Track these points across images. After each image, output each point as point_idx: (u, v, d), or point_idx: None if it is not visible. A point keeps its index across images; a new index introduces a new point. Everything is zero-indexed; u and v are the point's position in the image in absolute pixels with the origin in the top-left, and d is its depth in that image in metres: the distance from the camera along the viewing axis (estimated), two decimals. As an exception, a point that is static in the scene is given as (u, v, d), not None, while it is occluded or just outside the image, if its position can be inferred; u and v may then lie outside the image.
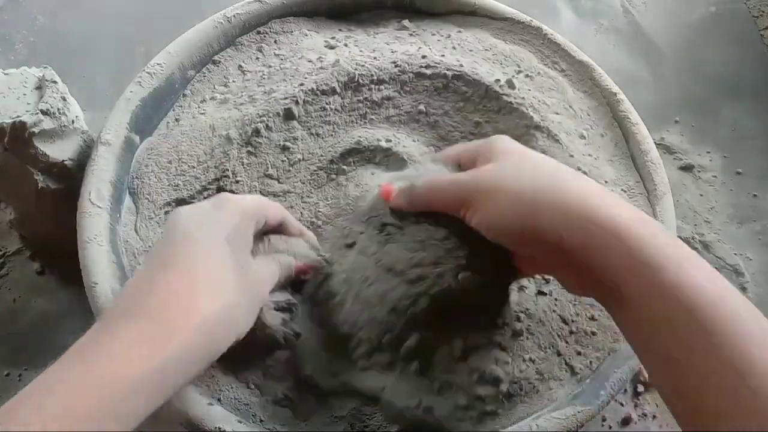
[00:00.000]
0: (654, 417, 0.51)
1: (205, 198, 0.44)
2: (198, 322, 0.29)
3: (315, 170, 0.45)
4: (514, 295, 0.40)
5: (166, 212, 0.45)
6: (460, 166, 0.37)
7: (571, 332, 0.42)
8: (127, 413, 0.27)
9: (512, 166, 0.33)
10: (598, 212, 0.29)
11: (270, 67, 0.51)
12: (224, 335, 0.31)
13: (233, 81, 0.51)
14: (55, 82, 0.47)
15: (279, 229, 0.39)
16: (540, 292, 0.42)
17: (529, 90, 0.49)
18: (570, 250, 0.30)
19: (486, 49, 0.53)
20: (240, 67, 0.52)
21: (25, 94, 0.46)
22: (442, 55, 0.50)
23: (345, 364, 0.38)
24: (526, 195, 0.31)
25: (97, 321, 0.29)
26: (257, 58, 0.52)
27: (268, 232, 0.38)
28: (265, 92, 0.48)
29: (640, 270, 0.28)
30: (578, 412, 0.38)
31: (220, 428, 0.36)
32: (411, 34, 0.54)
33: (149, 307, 0.29)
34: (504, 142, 0.35)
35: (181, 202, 0.45)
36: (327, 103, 0.46)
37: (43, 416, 0.24)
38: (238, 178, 0.44)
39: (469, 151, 0.37)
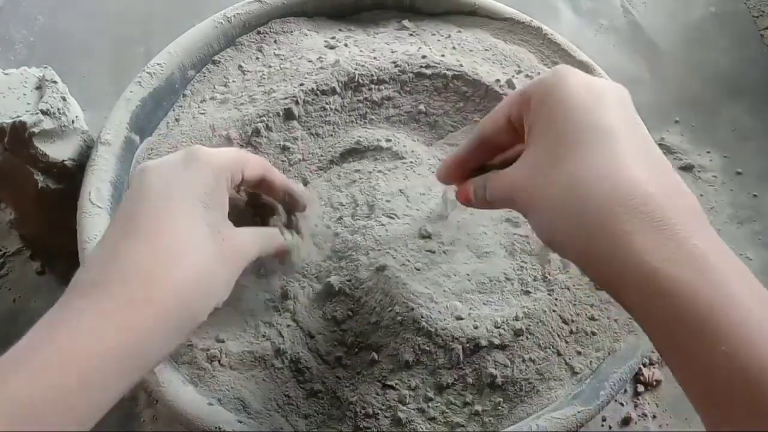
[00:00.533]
0: (654, 417, 0.51)
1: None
2: (169, 292, 0.27)
3: (315, 170, 0.45)
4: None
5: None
6: (510, 120, 0.31)
7: (571, 332, 0.42)
8: (97, 391, 0.25)
9: (555, 178, 0.28)
10: (646, 281, 0.25)
11: (270, 67, 0.51)
12: (200, 304, 0.29)
13: (233, 81, 0.51)
14: (55, 82, 0.47)
15: (261, 184, 0.36)
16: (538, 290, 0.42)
17: (529, 90, 0.49)
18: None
19: (486, 49, 0.53)
20: (240, 67, 0.52)
21: (25, 94, 0.46)
22: (442, 55, 0.50)
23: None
24: (572, 234, 0.27)
25: (62, 296, 0.27)
26: (257, 58, 0.52)
27: (253, 188, 0.36)
28: (265, 92, 0.48)
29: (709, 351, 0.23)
30: (578, 412, 0.38)
31: (220, 428, 0.36)
32: (411, 34, 0.54)
33: (115, 279, 0.27)
34: (560, 105, 0.29)
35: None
36: (327, 103, 0.46)
37: (6, 395, 0.23)
38: (238, 178, 0.44)
39: (518, 102, 0.31)
